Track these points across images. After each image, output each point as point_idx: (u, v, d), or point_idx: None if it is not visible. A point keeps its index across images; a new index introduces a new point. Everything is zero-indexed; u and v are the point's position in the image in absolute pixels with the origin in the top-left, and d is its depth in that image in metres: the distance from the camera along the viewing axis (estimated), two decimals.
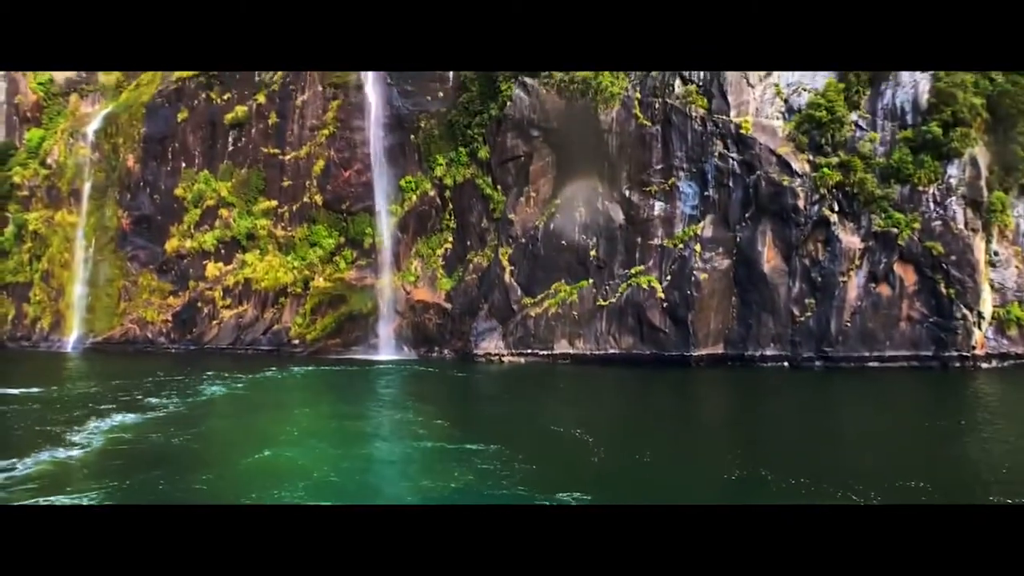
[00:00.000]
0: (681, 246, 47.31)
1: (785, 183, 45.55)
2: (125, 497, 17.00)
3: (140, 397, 31.33)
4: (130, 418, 27.01)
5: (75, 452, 21.13)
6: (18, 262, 64.10)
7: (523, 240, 51.35)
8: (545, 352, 49.96)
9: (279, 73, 59.31)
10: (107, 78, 70.93)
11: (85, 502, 16.33)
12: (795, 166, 45.70)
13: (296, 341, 53.99)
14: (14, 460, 19.39)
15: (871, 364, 44.95)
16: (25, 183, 66.55)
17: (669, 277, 47.44)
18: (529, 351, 50.37)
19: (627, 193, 48.61)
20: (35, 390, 34.60)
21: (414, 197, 54.90)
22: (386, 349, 52.38)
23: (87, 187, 62.79)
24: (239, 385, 37.60)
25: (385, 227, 54.47)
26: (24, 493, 16.83)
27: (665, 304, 47.37)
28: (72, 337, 59.75)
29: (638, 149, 48.59)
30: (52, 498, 16.23)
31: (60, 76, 74.01)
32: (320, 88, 58.80)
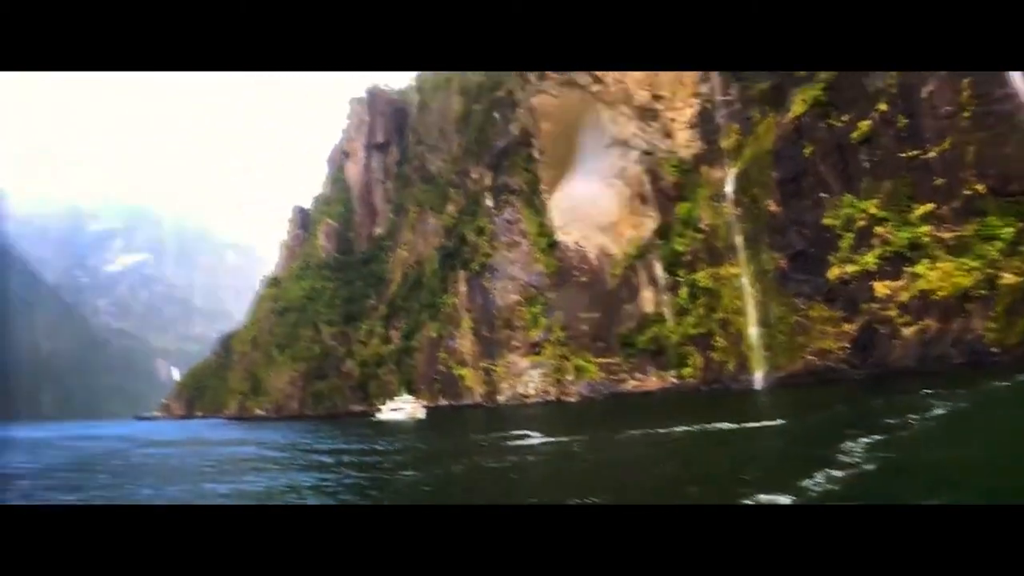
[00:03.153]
0: None
1: None
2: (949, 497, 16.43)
3: (872, 420, 30.43)
4: (882, 439, 26.62)
5: (852, 471, 20.58)
6: (697, 316, 75.68)
7: None
8: None
9: (893, 75, 56.74)
10: (726, 142, 79.63)
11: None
12: None
13: (994, 349, 48.42)
14: (810, 480, 20.85)
15: None
16: (686, 249, 79.17)
17: None
18: None
19: None
20: (774, 423, 37.75)
21: None
22: None
23: (739, 240, 70.69)
24: (968, 400, 34.77)
25: None
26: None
27: None
28: (758, 375, 66.32)
29: None
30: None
31: (687, 154, 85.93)
32: (945, 72, 53.78)
